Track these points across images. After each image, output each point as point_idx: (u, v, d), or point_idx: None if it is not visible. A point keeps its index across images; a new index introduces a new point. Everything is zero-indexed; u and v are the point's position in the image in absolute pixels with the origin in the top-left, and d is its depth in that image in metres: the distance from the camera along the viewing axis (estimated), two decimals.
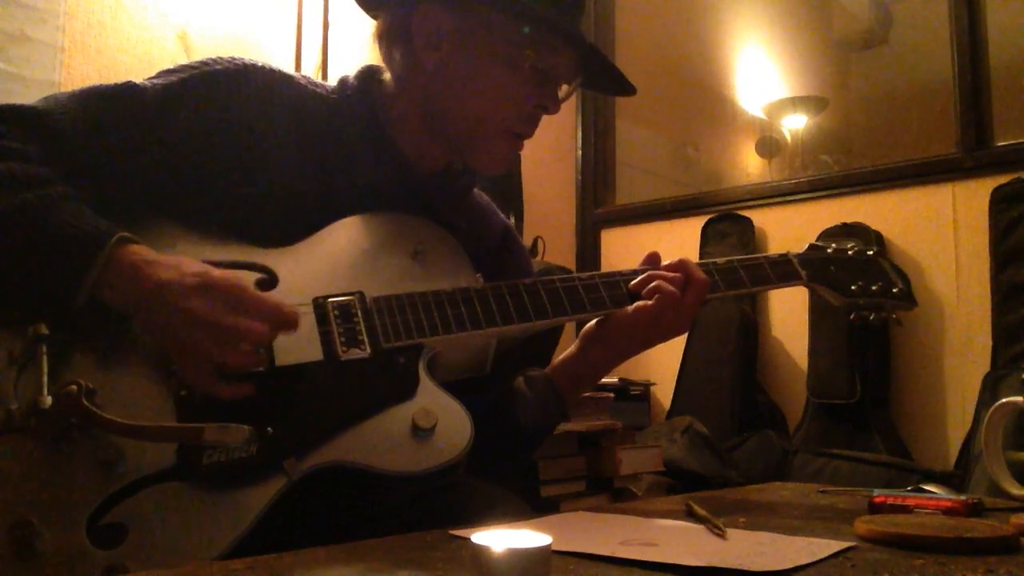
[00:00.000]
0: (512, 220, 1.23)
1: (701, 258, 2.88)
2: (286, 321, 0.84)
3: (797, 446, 2.54)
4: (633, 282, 1.07)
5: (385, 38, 1.06)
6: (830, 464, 2.39)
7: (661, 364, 2.88)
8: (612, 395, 2.36)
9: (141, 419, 0.81)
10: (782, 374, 2.80)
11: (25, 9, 1.92)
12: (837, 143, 3.30)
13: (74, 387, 0.79)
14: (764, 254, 1.18)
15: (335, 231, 0.99)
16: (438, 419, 0.87)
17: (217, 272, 0.84)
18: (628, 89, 1.10)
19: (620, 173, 3.46)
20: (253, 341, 0.83)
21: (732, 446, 2.61)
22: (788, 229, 2.84)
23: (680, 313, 1.05)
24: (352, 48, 2.42)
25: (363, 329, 0.91)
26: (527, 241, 2.73)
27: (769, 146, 3.50)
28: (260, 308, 0.83)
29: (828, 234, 2.60)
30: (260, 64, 1.03)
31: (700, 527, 0.84)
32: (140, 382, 0.85)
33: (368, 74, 1.08)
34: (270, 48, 2.39)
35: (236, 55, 1.03)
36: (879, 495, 0.99)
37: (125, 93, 0.95)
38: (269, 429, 0.84)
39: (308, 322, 0.90)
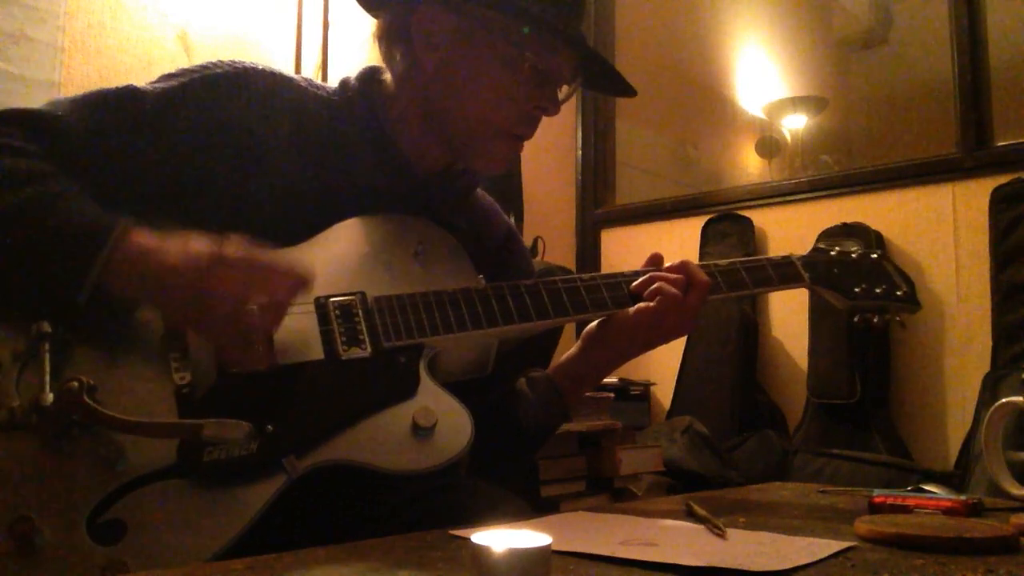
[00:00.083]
0: (512, 220, 1.23)
1: (701, 258, 2.88)
2: (303, 275, 0.86)
3: (797, 446, 2.54)
4: (635, 283, 1.07)
5: (385, 38, 1.06)
6: (830, 464, 2.39)
7: (661, 364, 2.88)
8: (612, 395, 2.35)
9: (142, 416, 0.81)
10: (782, 374, 2.80)
11: (25, 9, 1.92)
12: (837, 143, 3.31)
13: (75, 384, 0.79)
14: (766, 256, 1.17)
15: (336, 232, 0.99)
16: (438, 418, 0.87)
17: (227, 247, 0.83)
18: (628, 90, 1.10)
19: (620, 173, 3.45)
20: (283, 295, 0.84)
21: (732, 446, 2.61)
22: (788, 229, 2.84)
23: (682, 315, 1.05)
24: (352, 48, 2.42)
25: (364, 329, 0.91)
26: (527, 241, 2.72)
27: (769, 146, 3.50)
28: (276, 269, 0.84)
29: (828, 234, 2.60)
30: (260, 67, 1.03)
31: (700, 527, 0.84)
32: (141, 379, 0.85)
33: (369, 75, 1.08)
34: (270, 48, 2.39)
35: (236, 55, 1.03)
36: (879, 495, 0.99)
37: (126, 97, 0.95)
38: (269, 427, 0.84)
39: (309, 322, 0.90)
